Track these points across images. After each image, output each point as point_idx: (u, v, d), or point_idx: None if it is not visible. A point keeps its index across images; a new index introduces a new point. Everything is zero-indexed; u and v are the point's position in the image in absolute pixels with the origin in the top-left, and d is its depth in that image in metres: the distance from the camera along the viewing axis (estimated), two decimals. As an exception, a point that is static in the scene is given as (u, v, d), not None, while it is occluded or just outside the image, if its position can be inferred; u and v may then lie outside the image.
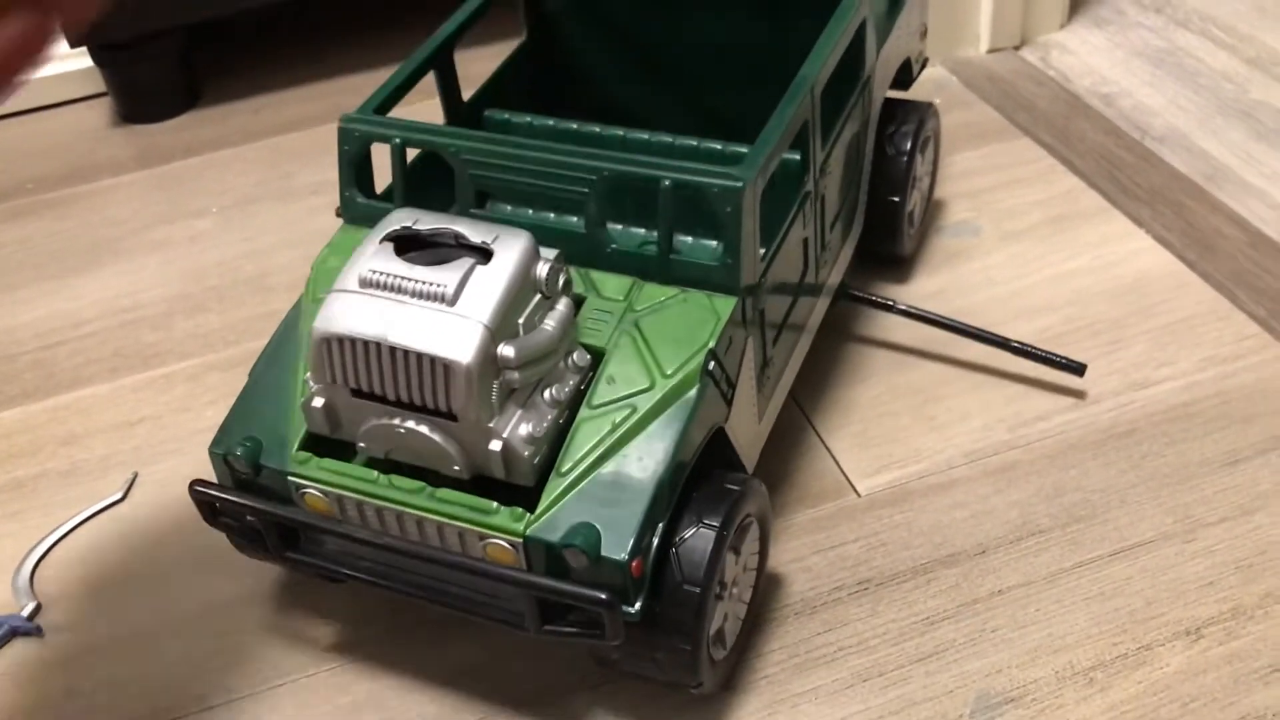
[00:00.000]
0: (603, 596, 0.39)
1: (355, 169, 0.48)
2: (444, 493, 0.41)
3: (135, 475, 0.57)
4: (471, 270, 0.39)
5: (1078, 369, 0.55)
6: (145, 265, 0.71)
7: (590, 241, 0.45)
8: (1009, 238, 0.66)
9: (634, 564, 0.39)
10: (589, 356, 0.42)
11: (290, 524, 0.43)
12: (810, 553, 0.50)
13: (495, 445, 0.39)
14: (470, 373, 0.38)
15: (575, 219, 0.47)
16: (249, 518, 0.43)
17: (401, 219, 0.42)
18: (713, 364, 0.42)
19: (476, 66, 0.58)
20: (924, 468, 0.53)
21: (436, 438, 0.40)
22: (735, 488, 0.43)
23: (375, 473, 0.42)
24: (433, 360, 0.38)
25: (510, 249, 0.40)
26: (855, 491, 0.53)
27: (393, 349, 0.38)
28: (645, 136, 0.53)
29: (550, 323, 0.41)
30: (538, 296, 0.40)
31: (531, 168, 0.45)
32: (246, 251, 0.71)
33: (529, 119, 0.56)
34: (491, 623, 0.42)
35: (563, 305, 0.41)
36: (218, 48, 0.91)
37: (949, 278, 0.64)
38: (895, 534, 0.51)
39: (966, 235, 0.66)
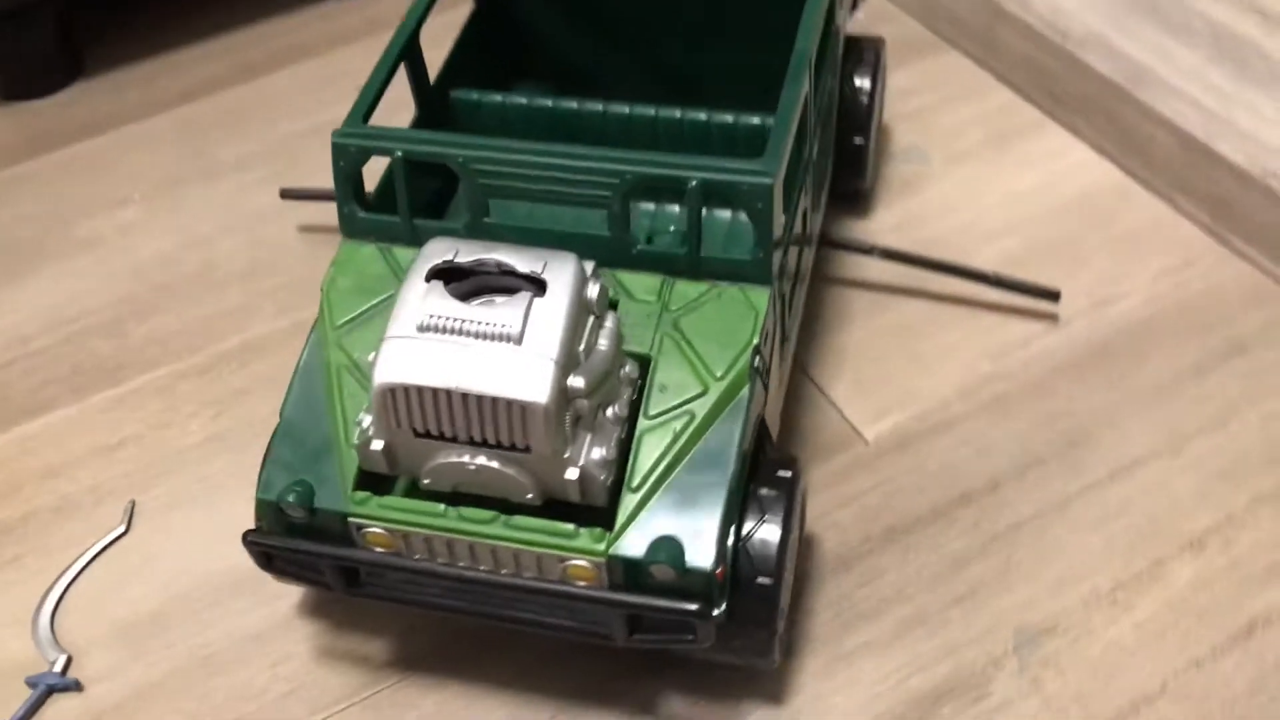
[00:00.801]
0: (695, 608, 0.40)
1: (352, 184, 0.46)
2: (518, 520, 0.41)
3: (133, 503, 0.55)
4: (530, 305, 0.39)
5: (1053, 295, 0.58)
6: (79, 267, 0.67)
7: (615, 244, 0.45)
8: (956, 160, 0.68)
9: (719, 571, 0.40)
10: (638, 366, 0.43)
11: (361, 565, 0.43)
12: (834, 507, 0.52)
13: (571, 474, 0.39)
14: (548, 412, 0.38)
15: (589, 216, 0.46)
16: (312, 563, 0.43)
17: (440, 251, 0.41)
18: (757, 360, 0.43)
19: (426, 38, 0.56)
20: (922, 409, 0.56)
21: (510, 471, 0.40)
22: (788, 474, 0.44)
23: (442, 506, 0.42)
24: (509, 404, 0.38)
25: (562, 276, 0.40)
26: (863, 440, 0.55)
27: (465, 395, 0.38)
28: (651, 113, 0.52)
29: (604, 342, 0.41)
30: (591, 318, 0.40)
31: (548, 174, 0.44)
32: (184, 242, 0.68)
33: (499, 98, 0.54)
34: (574, 637, 0.43)
35: (611, 321, 0.41)
36: (97, 4, 0.84)
37: (907, 209, 0.65)
38: (909, 479, 0.53)
39: (916, 162, 0.68)
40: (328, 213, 0.58)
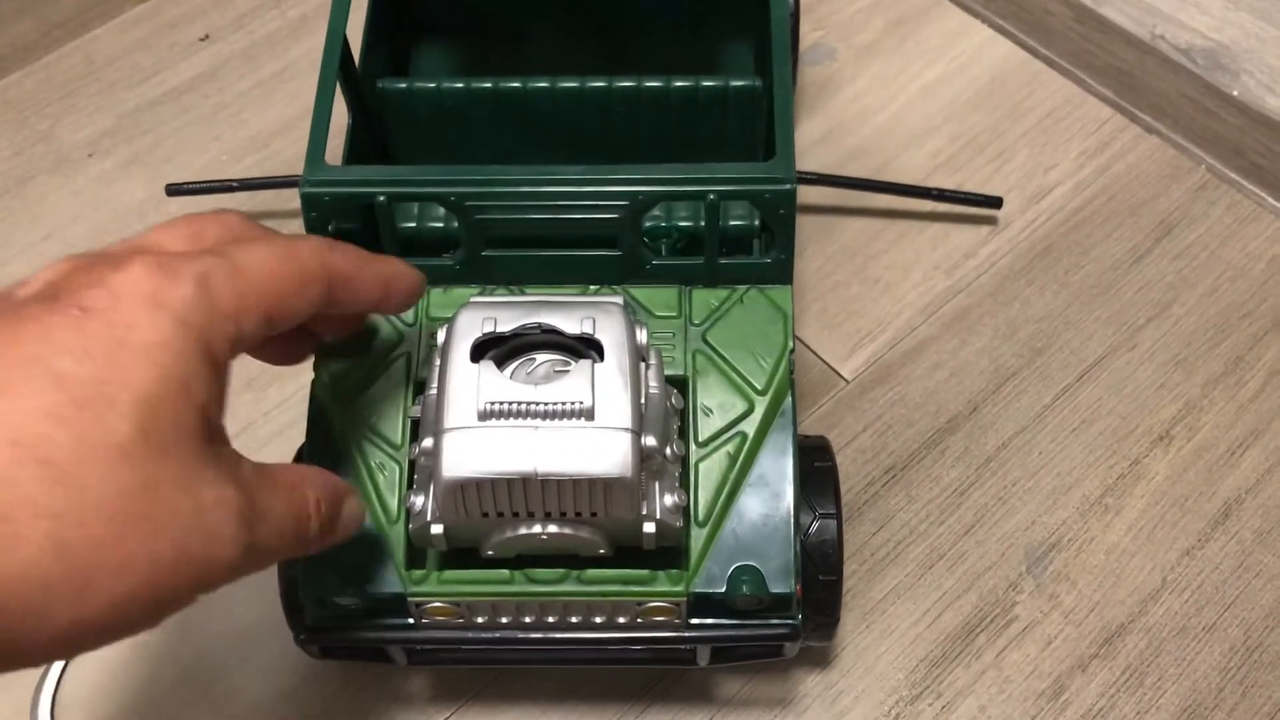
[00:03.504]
0: (787, 630, 0.41)
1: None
2: (591, 574, 0.40)
3: (103, 574, 0.51)
4: (594, 372, 0.37)
5: (995, 203, 0.59)
6: (-56, 303, 0.59)
7: (628, 261, 0.43)
8: (864, 55, 0.66)
9: (798, 588, 0.41)
10: (679, 394, 0.42)
11: (437, 644, 0.41)
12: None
13: (649, 527, 0.39)
14: (631, 484, 0.37)
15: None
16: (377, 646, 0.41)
17: (474, 321, 0.38)
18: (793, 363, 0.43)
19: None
20: (891, 335, 0.57)
21: (583, 533, 0.39)
22: (827, 464, 0.45)
23: (507, 571, 0.40)
24: (590, 482, 0.36)
25: (615, 333, 0.38)
26: (842, 378, 0.56)
27: (544, 481, 0.36)
28: (604, 84, 0.48)
29: (654, 383, 0.39)
30: (642, 364, 0.39)
31: (553, 203, 0.41)
32: (55, 251, 0.60)
33: (432, 85, 0.50)
34: (653, 667, 0.43)
35: (654, 358, 0.40)
36: None
37: (828, 116, 0.64)
38: (895, 413, 0.55)
39: (825, 60, 0.66)
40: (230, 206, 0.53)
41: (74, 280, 0.29)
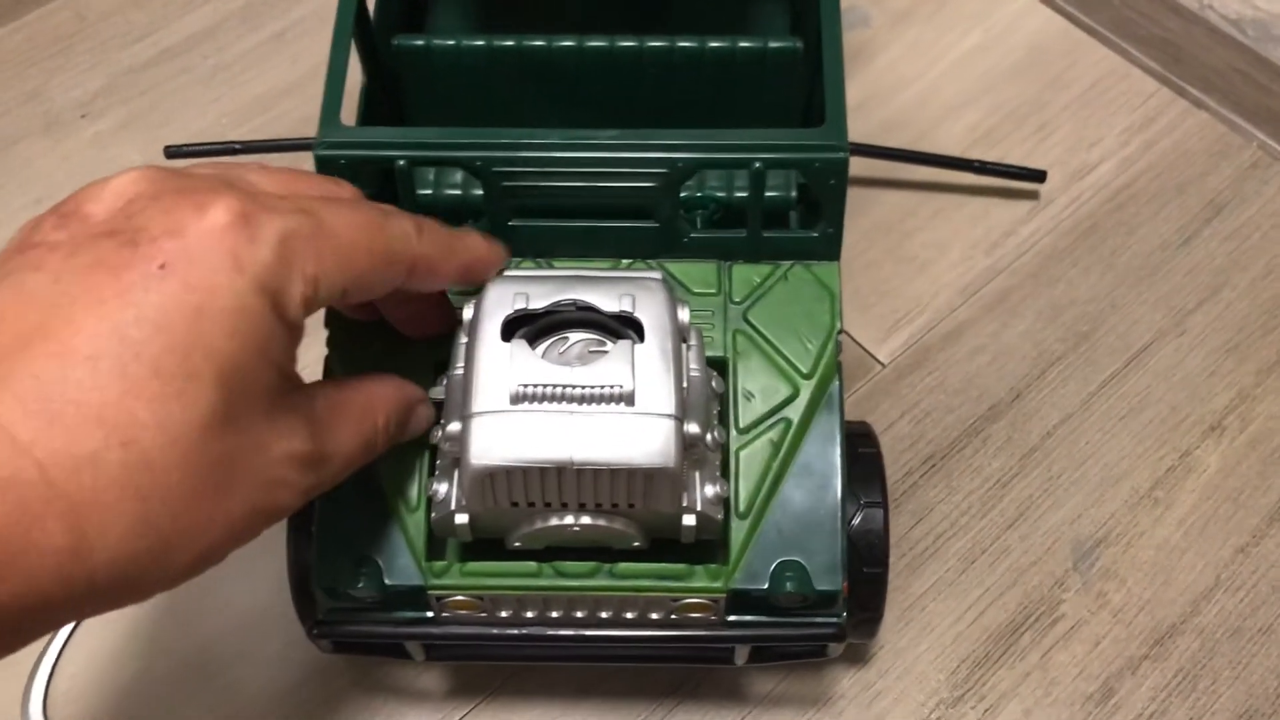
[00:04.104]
0: (832, 630, 0.38)
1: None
2: (624, 568, 0.37)
3: (96, 560, 0.48)
4: (634, 354, 0.34)
5: (1039, 176, 0.56)
6: (-72, 270, 0.56)
7: (665, 234, 0.40)
8: (899, 22, 0.63)
9: (844, 585, 0.38)
10: (720, 377, 0.39)
11: (455, 640, 0.39)
12: (868, 443, 0.51)
13: (690, 520, 0.36)
14: (674, 475, 0.34)
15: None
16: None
17: (504, 297, 0.35)
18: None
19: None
20: (929, 317, 0.54)
21: (617, 525, 0.36)
22: (871, 450, 0.42)
23: (534, 564, 0.37)
24: (630, 472, 0.33)
25: (656, 313, 0.35)
26: (879, 362, 0.53)
27: (579, 470, 0.33)
28: (634, 44, 0.45)
29: (694, 365, 0.36)
30: (684, 346, 0.36)
31: (586, 170, 0.38)
32: (48, 217, 0.57)
33: (452, 43, 0.46)
34: (686, 665, 0.41)
35: (694, 339, 0.37)
36: None
37: (861, 85, 0.61)
38: (934, 399, 0.52)
39: (859, 26, 0.63)
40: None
41: (153, 217, 0.28)
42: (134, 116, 0.61)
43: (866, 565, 0.40)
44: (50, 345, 0.26)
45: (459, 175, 0.47)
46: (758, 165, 0.38)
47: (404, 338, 0.38)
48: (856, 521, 0.40)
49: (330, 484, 0.32)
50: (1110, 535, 0.49)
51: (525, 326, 0.35)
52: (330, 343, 0.39)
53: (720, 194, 0.46)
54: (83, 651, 0.46)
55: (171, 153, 0.56)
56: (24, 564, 0.25)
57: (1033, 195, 0.57)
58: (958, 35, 0.63)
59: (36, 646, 0.46)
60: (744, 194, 0.46)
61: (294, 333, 0.29)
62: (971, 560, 0.48)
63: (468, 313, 0.36)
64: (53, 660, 0.46)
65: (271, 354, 0.28)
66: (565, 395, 0.33)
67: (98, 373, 0.26)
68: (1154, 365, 0.53)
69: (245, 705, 0.45)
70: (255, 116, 0.60)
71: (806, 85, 0.46)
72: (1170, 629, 0.47)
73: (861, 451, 0.42)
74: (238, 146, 0.56)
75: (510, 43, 0.46)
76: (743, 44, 0.46)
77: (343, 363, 0.39)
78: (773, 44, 0.46)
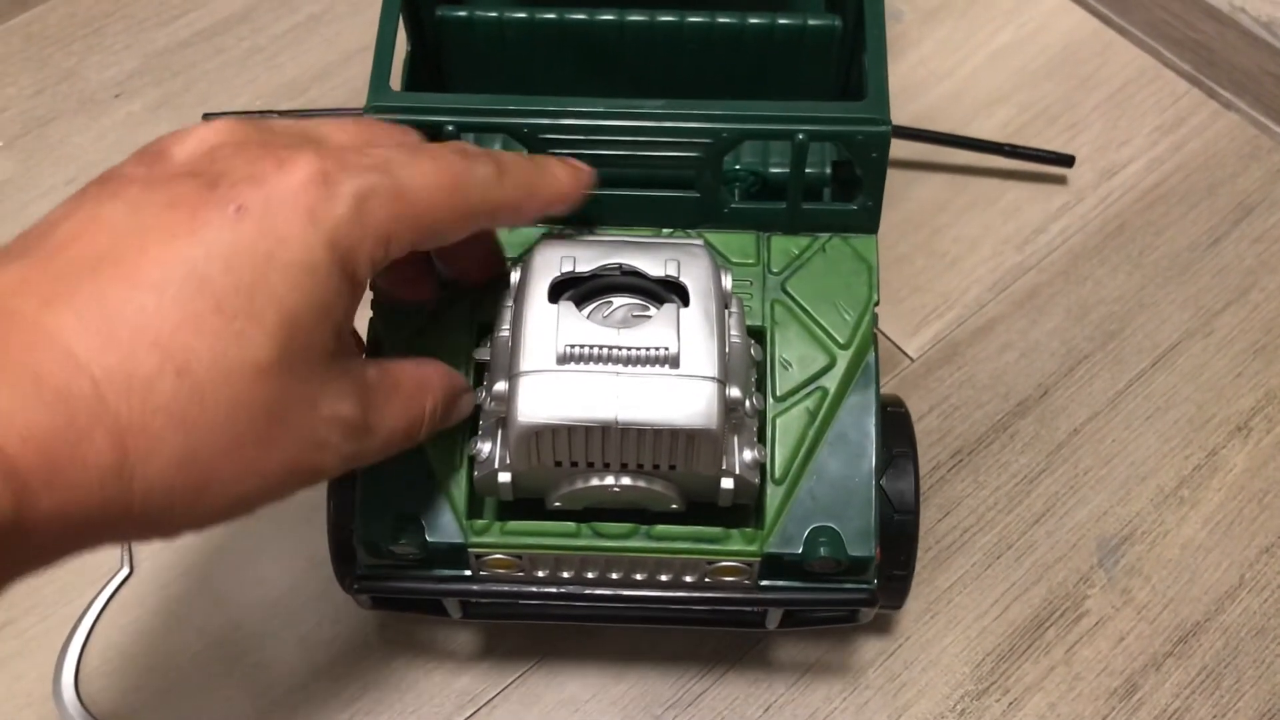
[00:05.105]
0: (864, 595, 0.38)
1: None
2: (661, 530, 0.38)
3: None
4: (678, 317, 0.34)
5: (1067, 161, 0.57)
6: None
7: (705, 204, 0.40)
8: (930, 18, 0.64)
9: (877, 550, 0.38)
10: (758, 345, 0.39)
11: (494, 597, 0.39)
12: (896, 436, 0.51)
13: (728, 483, 0.36)
14: (716, 437, 0.34)
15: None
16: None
17: (551, 260, 0.36)
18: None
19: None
20: (958, 313, 0.54)
21: (656, 487, 0.36)
22: (900, 410, 0.42)
23: (573, 524, 0.38)
24: (673, 433, 0.34)
25: (700, 277, 0.35)
26: (907, 356, 0.53)
27: (624, 430, 0.34)
28: (675, 19, 0.45)
29: (735, 332, 0.37)
30: (726, 312, 0.36)
31: (631, 138, 0.39)
32: (82, 195, 0.58)
33: (494, 14, 0.47)
34: (719, 629, 0.41)
35: (735, 306, 0.37)
36: None
37: (893, 79, 0.60)
38: (962, 394, 0.52)
39: (891, 21, 0.63)
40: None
41: (235, 165, 0.28)
42: (168, 97, 0.61)
43: (898, 512, 0.40)
44: (118, 269, 0.26)
45: (498, 143, 0.47)
46: (801, 137, 0.38)
47: (448, 299, 0.39)
48: (888, 471, 0.40)
49: (369, 459, 0.32)
50: (1136, 533, 0.49)
51: (571, 289, 0.36)
52: (375, 304, 0.39)
53: (758, 167, 0.47)
54: (115, 628, 0.47)
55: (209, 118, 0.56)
56: (69, 476, 0.25)
57: (1063, 185, 0.57)
58: (989, 33, 0.63)
59: (68, 622, 0.46)
60: (779, 169, 0.47)
61: (356, 291, 0.30)
62: (997, 555, 0.48)
63: (514, 276, 0.36)
64: (84, 636, 0.46)
65: (333, 313, 0.28)
66: (611, 356, 0.34)
67: (162, 301, 0.26)
68: (1181, 365, 0.53)
69: (276, 684, 0.46)
70: (289, 99, 0.61)
71: (843, 64, 0.47)
72: (1194, 627, 0.47)
73: (890, 410, 0.42)
74: (276, 115, 0.56)
75: (551, 16, 0.47)
76: (782, 21, 0.46)
77: (386, 325, 0.39)
78: (812, 21, 0.46)
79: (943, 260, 0.56)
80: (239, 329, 0.26)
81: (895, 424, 0.42)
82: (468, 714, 0.45)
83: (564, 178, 0.35)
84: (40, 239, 0.27)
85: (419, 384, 0.33)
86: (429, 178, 0.31)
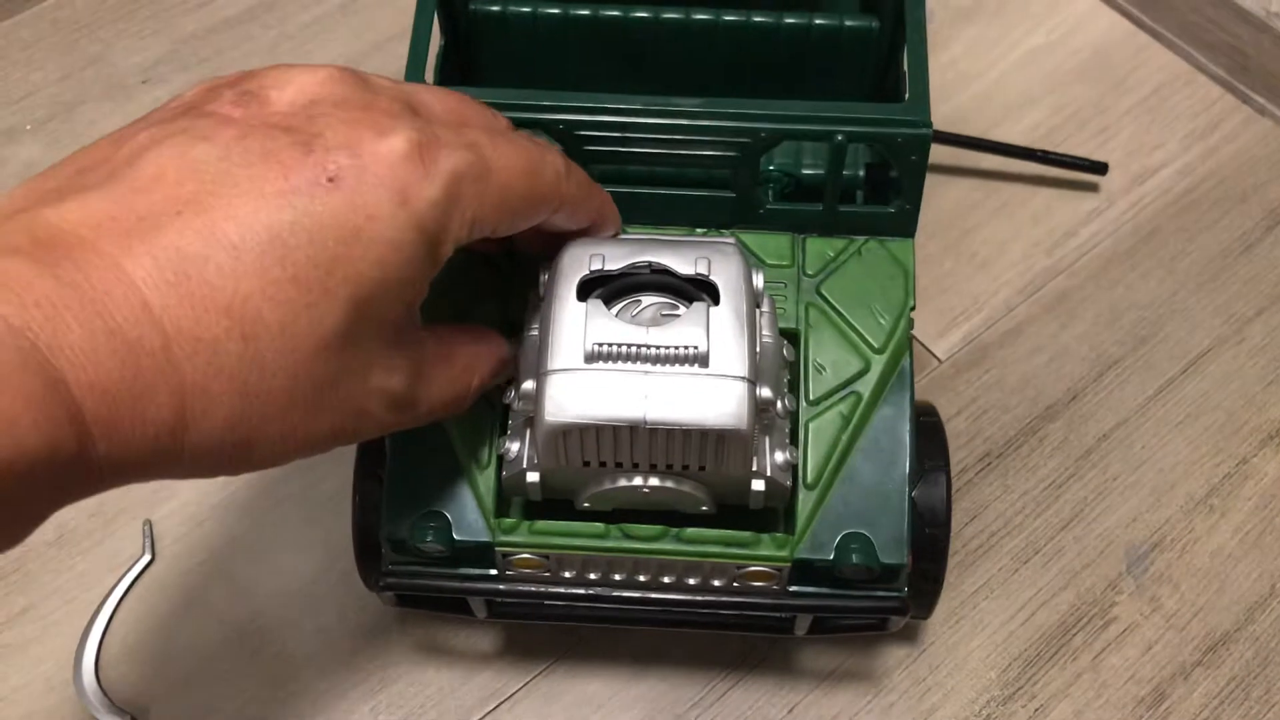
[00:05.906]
0: (896, 603, 0.38)
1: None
2: (691, 533, 0.37)
3: (149, 524, 0.48)
4: (709, 316, 0.34)
5: (1100, 168, 0.56)
6: (-13, 228, 0.56)
7: (741, 204, 0.40)
8: (961, 18, 0.63)
9: (909, 558, 0.38)
10: (791, 346, 0.39)
11: (520, 597, 0.39)
12: (924, 438, 0.50)
13: (759, 485, 0.36)
14: (746, 437, 0.34)
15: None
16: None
17: (580, 257, 0.35)
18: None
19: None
20: (987, 315, 0.54)
21: (685, 488, 0.36)
22: (932, 419, 0.42)
23: (602, 525, 0.37)
24: (703, 433, 0.33)
25: (731, 276, 0.35)
26: (936, 358, 0.53)
27: (653, 429, 0.33)
28: (709, 18, 0.45)
29: (767, 332, 0.36)
30: (758, 311, 0.36)
31: (668, 136, 0.38)
32: (107, 181, 0.57)
33: (528, 10, 0.46)
34: (746, 634, 0.41)
35: (767, 305, 0.37)
36: None
37: (923, 80, 0.61)
38: (991, 397, 0.52)
39: (921, 23, 0.63)
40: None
41: (334, 126, 0.28)
42: (195, 84, 0.61)
43: (929, 525, 0.39)
44: (201, 220, 0.26)
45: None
46: (840, 138, 0.38)
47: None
48: (919, 484, 0.40)
49: (410, 426, 0.32)
50: (1165, 540, 0.48)
51: (600, 288, 0.35)
52: None
53: (790, 169, 0.46)
54: (135, 615, 0.46)
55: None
56: (128, 430, 0.25)
57: (1094, 190, 0.57)
58: (1020, 35, 0.63)
59: (89, 608, 0.46)
60: (812, 170, 0.46)
61: (437, 269, 0.29)
62: (1025, 560, 0.48)
63: (543, 275, 0.36)
64: (105, 623, 0.46)
65: (409, 292, 0.28)
66: (640, 355, 0.33)
67: (239, 262, 0.26)
68: (1212, 371, 0.52)
69: (296, 673, 0.45)
70: (315, 88, 0.60)
71: (880, 65, 0.46)
72: (1224, 636, 0.46)
73: (923, 420, 0.41)
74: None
75: (585, 11, 0.46)
76: (818, 20, 0.46)
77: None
78: (849, 22, 0.46)
79: (972, 262, 0.55)
80: (311, 302, 0.26)
81: (928, 434, 0.41)
82: (489, 709, 0.45)
83: (608, 200, 0.36)
84: (124, 168, 0.27)
85: (471, 359, 0.34)
86: (513, 162, 0.31)
